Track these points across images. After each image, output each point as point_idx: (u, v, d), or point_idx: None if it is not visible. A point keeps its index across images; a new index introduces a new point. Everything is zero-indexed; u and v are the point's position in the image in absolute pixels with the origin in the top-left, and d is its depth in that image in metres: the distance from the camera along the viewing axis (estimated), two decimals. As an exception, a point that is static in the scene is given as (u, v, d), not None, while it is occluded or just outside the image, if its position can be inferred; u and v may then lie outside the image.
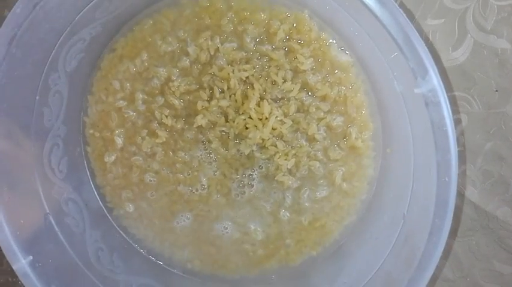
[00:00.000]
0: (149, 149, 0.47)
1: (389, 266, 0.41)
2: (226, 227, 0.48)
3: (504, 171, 0.48)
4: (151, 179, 0.48)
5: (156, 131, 0.47)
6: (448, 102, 0.35)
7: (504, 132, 0.47)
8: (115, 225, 0.50)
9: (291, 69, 0.46)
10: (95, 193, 0.49)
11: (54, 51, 0.42)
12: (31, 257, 0.41)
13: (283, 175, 0.46)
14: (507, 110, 0.47)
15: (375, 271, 0.42)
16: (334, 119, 0.46)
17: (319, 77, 0.45)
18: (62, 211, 0.46)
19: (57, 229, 0.44)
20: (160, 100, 0.47)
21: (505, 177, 0.48)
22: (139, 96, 0.47)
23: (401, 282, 0.38)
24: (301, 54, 0.45)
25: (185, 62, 0.46)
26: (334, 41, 0.45)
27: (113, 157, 0.48)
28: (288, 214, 0.47)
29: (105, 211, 0.50)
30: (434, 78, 0.35)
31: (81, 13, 0.42)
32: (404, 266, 0.38)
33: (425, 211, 0.37)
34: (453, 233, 0.49)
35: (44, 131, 0.45)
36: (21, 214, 0.42)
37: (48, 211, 0.44)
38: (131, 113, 0.47)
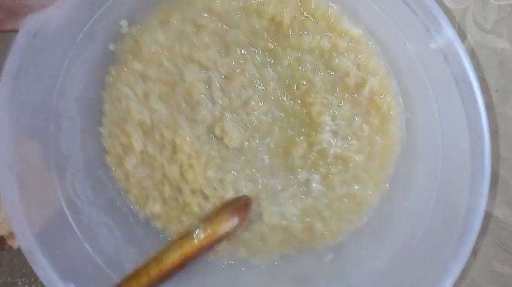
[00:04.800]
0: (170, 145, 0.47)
1: (433, 229, 0.41)
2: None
3: (505, 172, 0.48)
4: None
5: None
6: (466, 52, 0.35)
7: (504, 132, 0.47)
8: (148, 239, 0.49)
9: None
10: (123, 210, 0.49)
11: (60, 77, 0.42)
12: (73, 285, 0.40)
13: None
14: (507, 110, 0.47)
15: (421, 234, 0.41)
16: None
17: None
18: (95, 234, 0.45)
19: (93, 254, 0.44)
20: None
21: (505, 178, 0.48)
22: (154, 97, 0.46)
23: (449, 240, 0.37)
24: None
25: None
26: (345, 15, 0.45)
27: (134, 161, 0.47)
28: (320, 187, 0.47)
29: (136, 226, 0.49)
30: (449, 31, 0.35)
31: (81, 35, 0.42)
32: (450, 225, 0.38)
33: (461, 166, 0.37)
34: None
35: (64, 159, 0.44)
36: (57, 244, 0.42)
37: (81, 238, 0.44)
38: (147, 114, 0.47)
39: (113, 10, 0.42)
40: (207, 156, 0.47)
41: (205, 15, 0.45)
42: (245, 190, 0.47)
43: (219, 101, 0.46)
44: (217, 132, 0.46)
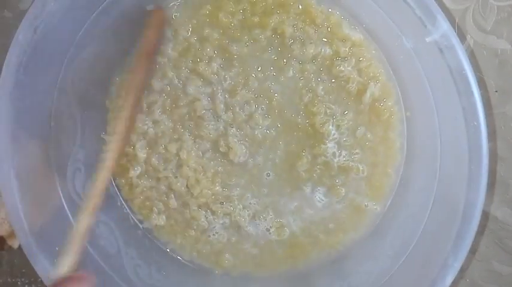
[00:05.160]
0: (175, 159, 0.47)
1: (432, 227, 0.41)
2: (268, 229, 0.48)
3: (504, 172, 0.48)
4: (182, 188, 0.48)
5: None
6: (461, 45, 0.35)
7: (504, 133, 0.47)
8: (148, 239, 0.49)
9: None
10: (124, 211, 0.49)
11: (61, 74, 0.42)
12: (73, 283, 0.40)
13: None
14: (507, 110, 0.47)
15: (420, 233, 0.41)
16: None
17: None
18: (95, 234, 0.45)
19: (93, 253, 0.44)
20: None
21: (504, 178, 0.48)
22: (157, 108, 0.47)
23: (448, 236, 0.37)
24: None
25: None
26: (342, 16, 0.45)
27: (138, 171, 0.47)
28: (323, 198, 0.47)
29: (136, 227, 0.49)
30: (444, 23, 0.35)
31: (81, 32, 0.42)
32: (448, 222, 0.38)
33: (459, 161, 0.37)
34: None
35: (64, 157, 0.45)
36: (57, 242, 0.41)
37: (81, 236, 0.44)
38: (150, 125, 0.47)
39: (113, 8, 0.43)
40: (213, 171, 0.47)
41: (209, 27, 0.46)
42: (252, 204, 0.47)
43: (223, 115, 0.46)
44: (222, 148, 0.47)
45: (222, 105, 0.46)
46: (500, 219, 0.48)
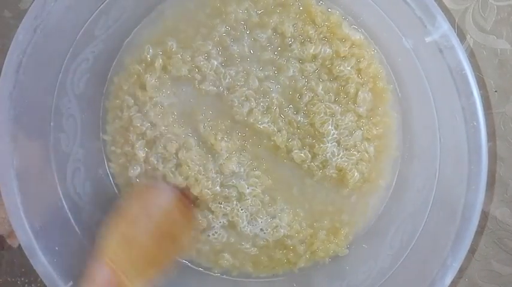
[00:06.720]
0: (174, 159, 0.47)
1: (432, 227, 0.41)
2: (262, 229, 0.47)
3: (503, 171, 0.48)
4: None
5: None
6: (461, 45, 0.35)
7: (503, 132, 0.47)
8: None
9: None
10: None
11: (61, 74, 0.42)
12: (71, 283, 0.40)
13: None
14: (506, 110, 0.47)
15: (419, 232, 0.41)
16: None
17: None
18: (94, 233, 0.45)
19: (92, 253, 0.44)
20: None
21: (504, 178, 0.48)
22: (155, 107, 0.47)
23: (448, 236, 0.37)
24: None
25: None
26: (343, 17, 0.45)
27: (137, 171, 0.47)
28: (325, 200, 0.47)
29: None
30: (444, 23, 0.35)
31: (81, 32, 0.42)
32: (448, 222, 0.38)
33: (458, 162, 0.37)
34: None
35: (64, 157, 0.45)
36: (56, 242, 0.42)
37: (81, 236, 0.44)
38: (149, 125, 0.47)
39: (113, 8, 0.43)
40: (212, 171, 0.47)
41: (209, 26, 0.46)
42: (251, 204, 0.47)
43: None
44: (220, 148, 0.47)
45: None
46: (500, 219, 0.48)
